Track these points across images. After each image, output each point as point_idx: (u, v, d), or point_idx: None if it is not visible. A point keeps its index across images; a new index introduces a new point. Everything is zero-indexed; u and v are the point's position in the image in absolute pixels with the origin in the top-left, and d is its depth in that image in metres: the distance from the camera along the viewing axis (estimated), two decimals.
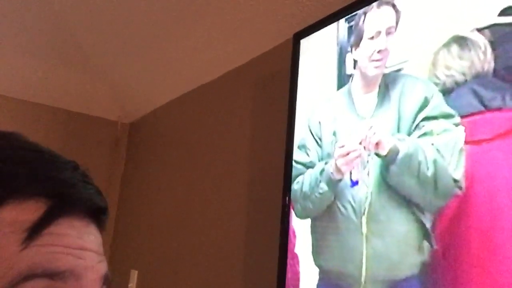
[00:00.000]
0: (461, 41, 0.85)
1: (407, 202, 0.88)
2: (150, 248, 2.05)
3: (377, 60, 1.01)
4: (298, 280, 1.11)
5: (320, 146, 1.13)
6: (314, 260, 1.07)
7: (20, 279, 0.31)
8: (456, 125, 0.82)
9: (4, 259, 0.31)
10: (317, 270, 1.06)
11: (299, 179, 1.17)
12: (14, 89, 2.32)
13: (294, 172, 1.19)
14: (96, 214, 0.38)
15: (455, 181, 0.80)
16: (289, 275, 1.13)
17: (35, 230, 0.33)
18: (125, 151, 2.65)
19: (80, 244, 0.35)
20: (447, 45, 0.87)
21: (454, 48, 0.86)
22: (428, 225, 0.84)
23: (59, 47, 2.14)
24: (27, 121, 2.37)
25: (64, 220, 0.35)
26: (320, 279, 1.05)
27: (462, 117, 0.81)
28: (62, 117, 2.48)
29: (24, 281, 0.31)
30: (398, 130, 0.92)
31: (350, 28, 1.10)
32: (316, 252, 1.07)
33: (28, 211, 0.33)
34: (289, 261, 1.14)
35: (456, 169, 0.80)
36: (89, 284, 0.35)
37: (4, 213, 0.32)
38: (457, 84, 0.84)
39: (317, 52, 1.21)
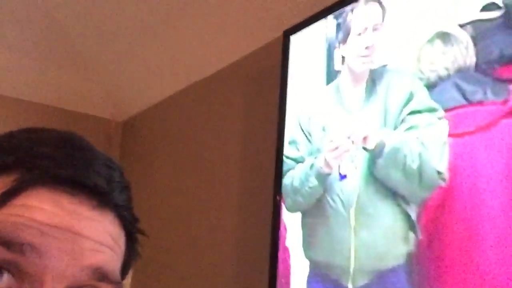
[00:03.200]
0: (444, 36, 0.87)
1: (393, 194, 0.90)
2: (144, 246, 2.06)
3: (364, 56, 1.03)
4: (289, 272, 1.13)
5: (310, 141, 1.15)
6: (305, 252, 1.09)
7: None
8: (440, 118, 0.84)
9: None
10: (307, 262, 1.08)
11: (290, 174, 1.19)
12: (5, 87, 2.32)
13: (285, 167, 1.21)
14: (110, 202, 0.36)
15: (439, 173, 0.83)
16: (280, 268, 1.15)
17: (2, 199, 0.32)
18: (118, 149, 2.66)
19: (58, 222, 0.32)
20: (431, 40, 0.89)
21: (438, 43, 0.88)
22: (413, 216, 0.86)
23: (51, 45, 2.14)
24: (19, 119, 2.37)
25: (38, 193, 0.33)
26: (310, 271, 1.07)
27: (445, 110, 0.84)
28: (54, 115, 2.48)
29: None
30: (385, 124, 0.95)
31: (338, 24, 1.12)
32: (306, 244, 1.09)
33: (1, 182, 0.33)
34: (280, 254, 1.16)
35: (440, 161, 0.83)
36: (58, 266, 0.32)
37: None
38: (441, 79, 0.86)
39: (307, 48, 1.23)
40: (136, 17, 1.82)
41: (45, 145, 0.35)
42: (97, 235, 0.34)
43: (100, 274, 0.34)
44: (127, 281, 2.22)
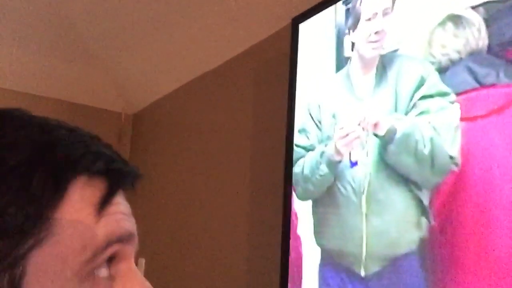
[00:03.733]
0: (456, 19, 0.86)
1: (405, 180, 0.89)
2: (156, 237, 2.08)
3: (374, 42, 1.02)
4: (301, 260, 1.13)
5: (319, 129, 1.14)
6: (316, 240, 1.09)
7: (101, 248, 0.35)
8: (452, 102, 0.83)
9: (82, 233, 0.35)
10: (319, 250, 1.08)
11: (300, 162, 1.18)
12: (17, 82, 2.34)
13: (295, 156, 1.20)
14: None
15: (451, 157, 0.82)
16: (292, 256, 1.15)
17: (104, 203, 0.37)
18: (129, 142, 2.67)
19: (127, 210, 0.40)
20: (442, 23, 0.88)
21: (449, 26, 0.87)
22: (425, 201, 0.85)
23: (61, 40, 2.15)
24: None
25: (119, 191, 0.39)
26: (322, 259, 1.07)
27: (457, 94, 0.83)
28: (65, 110, 2.50)
29: (104, 249, 0.35)
30: (396, 110, 0.94)
31: (347, 10, 1.11)
32: (318, 232, 1.09)
33: (94, 187, 0.37)
34: (292, 242, 1.16)
35: (452, 146, 0.82)
36: (136, 241, 0.40)
37: (73, 190, 0.36)
38: (452, 62, 0.85)
39: (316, 35, 1.22)
40: (145, 10, 1.81)
41: (104, 147, 0.39)
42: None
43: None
44: (141, 269, 2.24)
